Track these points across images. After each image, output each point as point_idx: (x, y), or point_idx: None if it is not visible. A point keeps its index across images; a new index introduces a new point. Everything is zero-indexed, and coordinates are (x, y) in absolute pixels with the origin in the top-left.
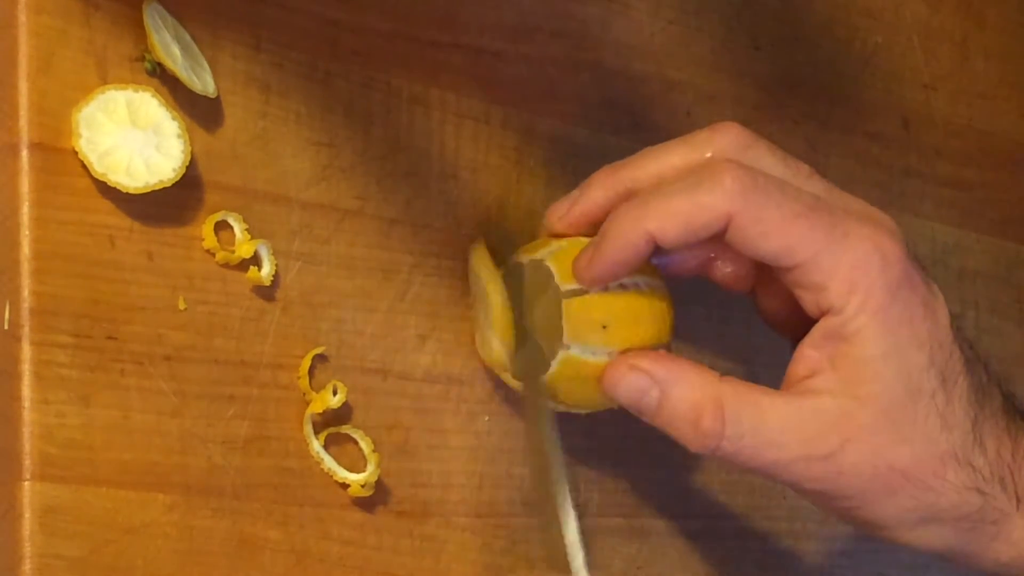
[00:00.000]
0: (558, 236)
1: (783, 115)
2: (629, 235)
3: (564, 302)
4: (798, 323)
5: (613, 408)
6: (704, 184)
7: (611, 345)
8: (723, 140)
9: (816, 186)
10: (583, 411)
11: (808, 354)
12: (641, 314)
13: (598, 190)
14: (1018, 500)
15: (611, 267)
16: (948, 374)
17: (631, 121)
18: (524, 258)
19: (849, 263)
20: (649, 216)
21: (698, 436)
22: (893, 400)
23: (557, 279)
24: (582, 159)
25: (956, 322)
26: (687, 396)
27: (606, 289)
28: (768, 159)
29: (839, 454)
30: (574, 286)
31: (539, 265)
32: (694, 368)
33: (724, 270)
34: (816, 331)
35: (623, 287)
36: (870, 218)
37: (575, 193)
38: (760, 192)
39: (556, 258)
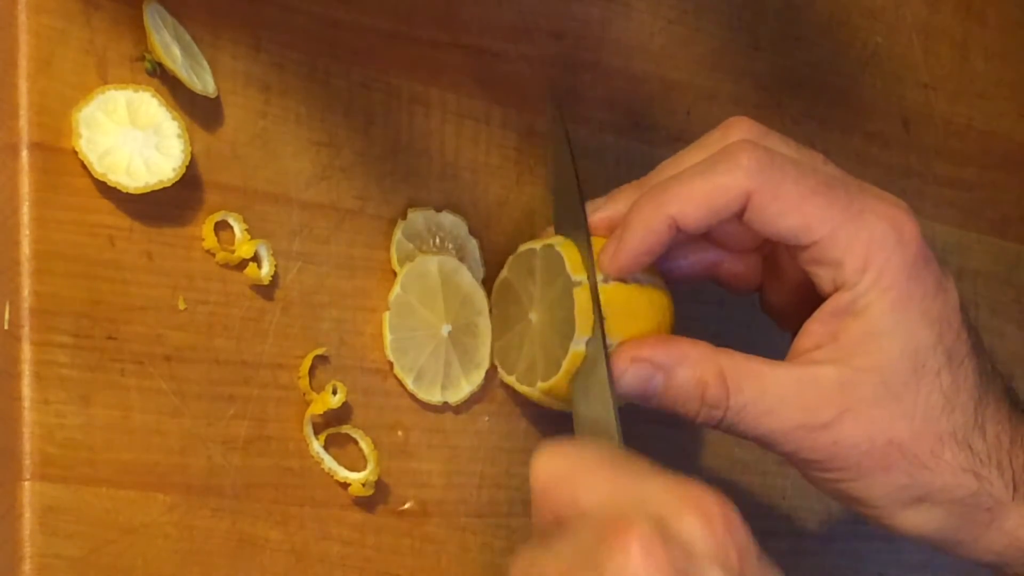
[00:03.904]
0: None
1: (783, 115)
2: (651, 222)
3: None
4: (804, 316)
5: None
6: (722, 165)
7: (609, 337)
8: (737, 134)
9: (831, 170)
10: None
11: (814, 328)
12: (640, 307)
13: (622, 201)
14: (1014, 488)
15: (636, 255)
16: (955, 354)
17: (631, 121)
18: (535, 245)
19: (865, 239)
20: (670, 201)
21: (704, 408)
22: (896, 373)
23: (568, 268)
24: (582, 159)
25: (964, 307)
26: (691, 374)
27: (606, 282)
28: (782, 148)
29: (837, 424)
30: (576, 278)
31: (533, 255)
32: (692, 345)
33: (732, 270)
34: (826, 307)
35: (623, 281)
36: (885, 198)
37: (599, 200)
38: (777, 169)
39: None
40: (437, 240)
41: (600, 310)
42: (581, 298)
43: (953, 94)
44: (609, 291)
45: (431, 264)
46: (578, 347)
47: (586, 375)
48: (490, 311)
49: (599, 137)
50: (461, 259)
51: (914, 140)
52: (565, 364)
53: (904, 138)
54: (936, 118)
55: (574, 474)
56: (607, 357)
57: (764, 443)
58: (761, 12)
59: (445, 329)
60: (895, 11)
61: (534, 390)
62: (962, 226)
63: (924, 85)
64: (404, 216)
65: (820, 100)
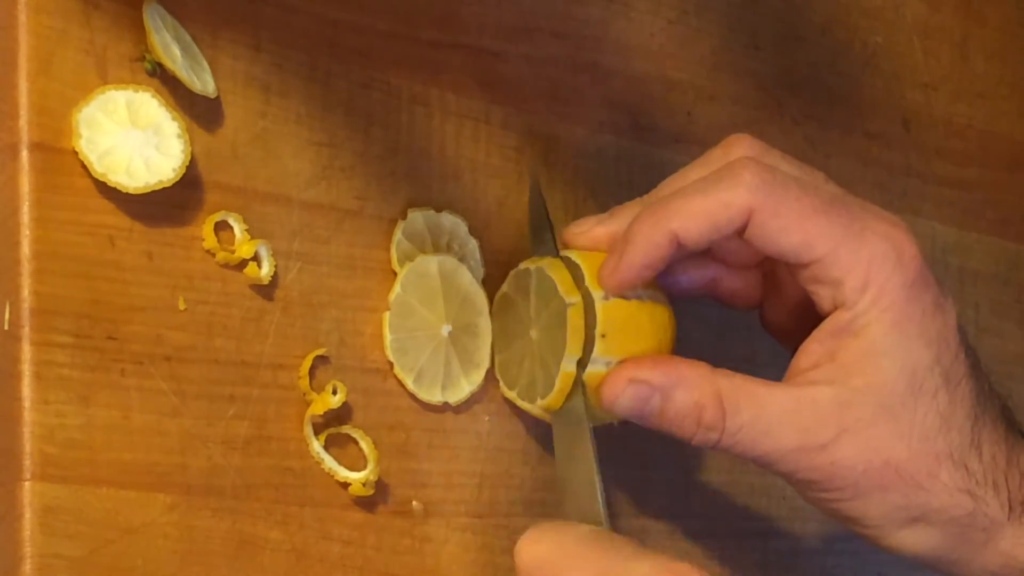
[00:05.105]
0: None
1: (783, 115)
2: (653, 236)
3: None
4: (804, 333)
5: (612, 423)
6: (724, 181)
7: (609, 354)
8: (739, 152)
9: (832, 189)
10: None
11: (812, 348)
12: (641, 324)
13: (624, 217)
14: (1010, 508)
15: (636, 270)
16: (952, 375)
17: (631, 121)
18: (530, 265)
19: (866, 259)
20: (672, 216)
21: (701, 431)
22: (894, 394)
23: (560, 291)
24: (582, 159)
25: (963, 328)
26: (688, 397)
27: (606, 298)
28: (784, 165)
29: (834, 445)
30: (574, 298)
31: (529, 275)
32: (690, 366)
33: (732, 287)
34: (825, 326)
35: (624, 297)
36: (886, 218)
37: (603, 215)
38: (779, 187)
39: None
40: (437, 240)
41: (590, 335)
42: (573, 318)
43: (953, 94)
44: (609, 308)
45: (431, 264)
46: (568, 366)
47: (567, 433)
48: (492, 322)
49: (599, 137)
50: (461, 259)
51: (914, 140)
52: (558, 383)
53: (904, 138)
54: (936, 118)
55: (560, 559)
56: (590, 424)
57: (761, 464)
58: (761, 12)
59: (445, 329)
60: (895, 11)
61: (535, 407)
62: (962, 226)
63: (924, 85)
64: (404, 216)
65: (820, 100)
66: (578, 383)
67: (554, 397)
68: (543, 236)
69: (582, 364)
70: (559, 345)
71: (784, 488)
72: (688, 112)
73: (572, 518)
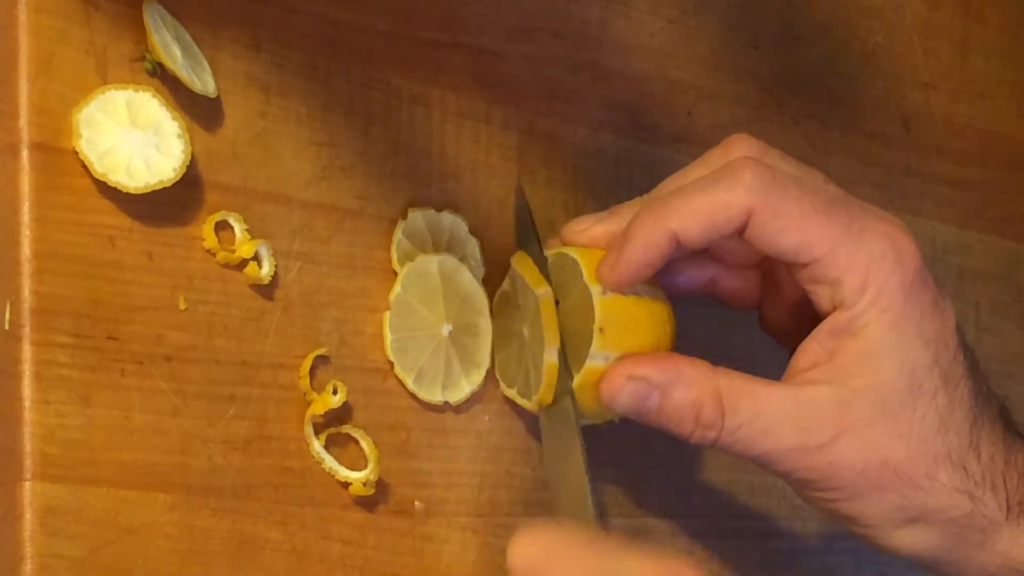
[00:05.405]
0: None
1: (783, 115)
2: (652, 235)
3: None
4: (803, 333)
5: (613, 420)
6: (724, 181)
7: (608, 349)
8: (738, 151)
9: (832, 189)
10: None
11: (811, 347)
12: (639, 319)
13: (624, 216)
14: (1008, 509)
15: (635, 268)
16: (951, 376)
17: (631, 121)
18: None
19: (865, 259)
20: (671, 215)
21: (699, 429)
22: (892, 394)
23: (530, 284)
24: (582, 159)
25: (961, 329)
26: (687, 394)
27: (604, 294)
28: (784, 165)
29: (833, 444)
30: (542, 289)
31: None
32: (690, 364)
33: (731, 287)
34: (824, 326)
35: (622, 293)
36: (885, 218)
37: (603, 214)
38: (779, 187)
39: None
40: (437, 240)
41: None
42: (545, 309)
43: (953, 93)
44: (607, 303)
45: (431, 264)
46: (550, 358)
47: (555, 430)
48: (492, 321)
49: (599, 137)
50: (461, 259)
51: (914, 139)
52: (544, 376)
53: (904, 137)
54: (936, 117)
55: (551, 558)
56: (578, 423)
57: (759, 463)
58: (761, 12)
59: (445, 329)
60: (895, 11)
61: (532, 403)
62: (962, 225)
63: (924, 84)
64: (404, 216)
65: (820, 100)
66: (564, 379)
67: (543, 391)
68: (528, 242)
69: (572, 356)
70: (542, 338)
71: (785, 487)
72: (688, 112)
73: (563, 516)
